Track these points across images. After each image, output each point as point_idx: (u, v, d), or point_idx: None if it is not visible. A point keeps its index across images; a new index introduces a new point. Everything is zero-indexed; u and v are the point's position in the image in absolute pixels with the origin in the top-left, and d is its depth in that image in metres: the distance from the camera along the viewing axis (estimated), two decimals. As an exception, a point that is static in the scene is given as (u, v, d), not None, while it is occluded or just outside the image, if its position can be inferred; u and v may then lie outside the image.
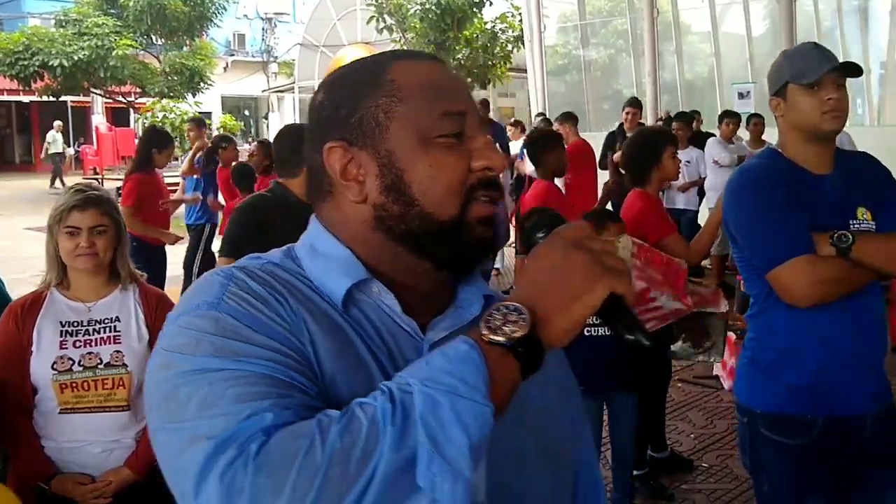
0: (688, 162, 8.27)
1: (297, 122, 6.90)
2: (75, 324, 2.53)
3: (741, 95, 10.55)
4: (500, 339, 0.86)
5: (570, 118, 8.76)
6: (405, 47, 17.83)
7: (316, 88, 1.14)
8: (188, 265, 7.77)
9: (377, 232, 1.02)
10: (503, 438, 0.98)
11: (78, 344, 2.50)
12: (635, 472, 4.12)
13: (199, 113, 18.97)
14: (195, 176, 8.00)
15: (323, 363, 0.93)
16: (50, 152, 24.26)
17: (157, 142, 6.47)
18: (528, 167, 8.32)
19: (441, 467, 0.78)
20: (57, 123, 25.12)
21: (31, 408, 2.51)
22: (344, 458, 0.78)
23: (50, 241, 2.56)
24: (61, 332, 2.51)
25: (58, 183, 22.31)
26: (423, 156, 0.99)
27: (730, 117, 8.98)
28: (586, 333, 3.64)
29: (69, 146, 28.47)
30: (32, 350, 2.49)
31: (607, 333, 3.65)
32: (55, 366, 2.47)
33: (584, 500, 1.18)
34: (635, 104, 8.94)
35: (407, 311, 1.02)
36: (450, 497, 0.78)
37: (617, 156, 8.17)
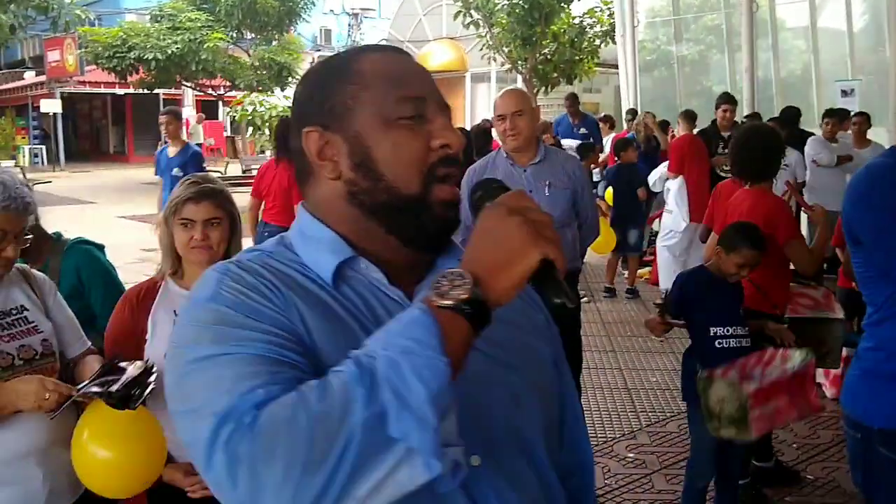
0: (786, 165, 7.71)
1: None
2: (189, 314, 2.54)
3: (844, 93, 10.12)
4: (448, 302, 0.96)
5: (688, 115, 8.76)
6: (491, 42, 17.77)
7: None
8: None
9: (351, 206, 1.15)
10: (499, 383, 1.16)
11: (192, 334, 2.51)
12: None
13: (288, 107, 19.29)
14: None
15: (314, 337, 1.06)
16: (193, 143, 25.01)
17: None
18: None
19: (409, 418, 0.88)
20: (199, 115, 25.94)
21: (144, 396, 2.54)
22: (325, 419, 0.89)
23: (165, 231, 2.57)
24: (175, 321, 2.52)
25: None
26: (386, 135, 1.12)
27: (829, 116, 8.63)
28: (717, 346, 3.53)
29: (160, 138, 29.30)
30: (147, 338, 2.52)
31: (743, 346, 3.57)
32: (168, 355, 2.48)
33: (569, 431, 1.35)
34: (730, 100, 8.44)
35: (392, 282, 1.15)
36: (419, 442, 0.88)
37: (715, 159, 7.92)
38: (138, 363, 2.33)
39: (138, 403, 2.19)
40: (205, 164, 8.14)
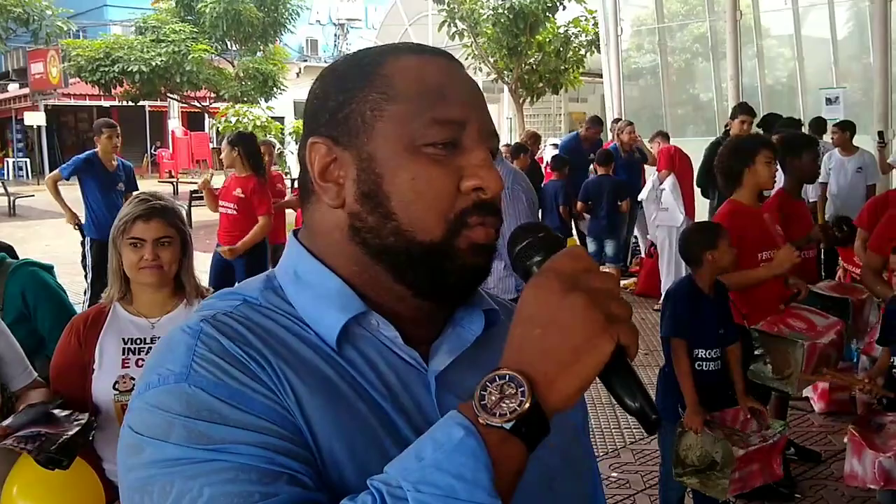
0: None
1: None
2: (138, 341, 2.42)
3: (829, 101, 10.05)
4: (500, 422, 0.73)
5: (663, 134, 9.00)
6: (477, 52, 17.71)
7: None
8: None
9: (353, 243, 0.92)
10: (533, 464, 0.89)
11: (141, 363, 2.39)
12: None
13: (272, 118, 19.18)
14: None
15: (314, 427, 0.83)
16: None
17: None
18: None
19: None
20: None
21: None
22: None
23: (113, 253, 2.45)
24: (124, 349, 2.40)
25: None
26: (407, 165, 0.89)
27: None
28: (696, 368, 3.48)
29: (146, 150, 29.15)
30: (94, 368, 2.39)
31: (719, 368, 3.53)
32: (117, 385, 2.36)
33: None
34: (747, 111, 7.54)
35: (403, 338, 0.92)
36: None
37: None
38: (77, 416, 2.20)
39: (70, 465, 2.04)
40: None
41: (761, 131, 7.30)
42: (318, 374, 0.87)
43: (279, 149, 19.14)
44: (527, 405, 0.73)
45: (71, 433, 2.07)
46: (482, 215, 0.90)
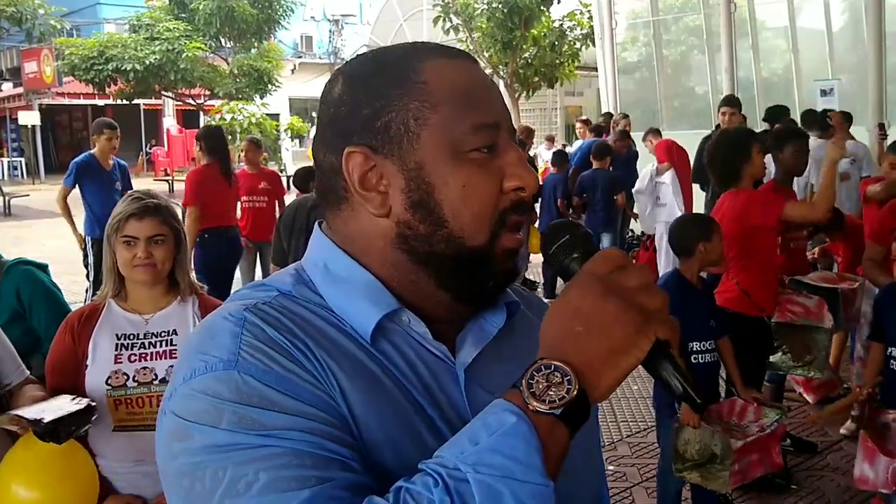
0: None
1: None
2: (131, 336, 2.42)
3: (824, 92, 10.04)
4: (548, 408, 0.78)
5: (656, 131, 8.82)
6: (471, 47, 17.70)
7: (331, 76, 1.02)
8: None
9: (398, 251, 0.94)
10: (585, 477, 0.98)
11: (133, 358, 2.39)
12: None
13: (267, 115, 19.18)
14: None
15: (356, 414, 0.86)
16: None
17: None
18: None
19: None
20: None
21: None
22: None
23: (107, 251, 2.45)
24: (117, 345, 2.40)
25: None
26: (456, 172, 0.91)
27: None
28: (692, 361, 3.50)
29: (141, 149, 29.10)
30: (87, 363, 2.39)
31: (715, 360, 3.57)
32: (109, 381, 2.36)
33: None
34: (733, 103, 7.62)
35: (435, 336, 0.96)
36: None
37: None
38: (81, 399, 2.21)
39: (66, 439, 2.06)
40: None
41: (767, 125, 7.28)
42: (356, 361, 0.89)
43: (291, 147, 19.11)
44: (574, 392, 0.78)
45: (71, 410, 2.09)
46: (520, 214, 0.94)
